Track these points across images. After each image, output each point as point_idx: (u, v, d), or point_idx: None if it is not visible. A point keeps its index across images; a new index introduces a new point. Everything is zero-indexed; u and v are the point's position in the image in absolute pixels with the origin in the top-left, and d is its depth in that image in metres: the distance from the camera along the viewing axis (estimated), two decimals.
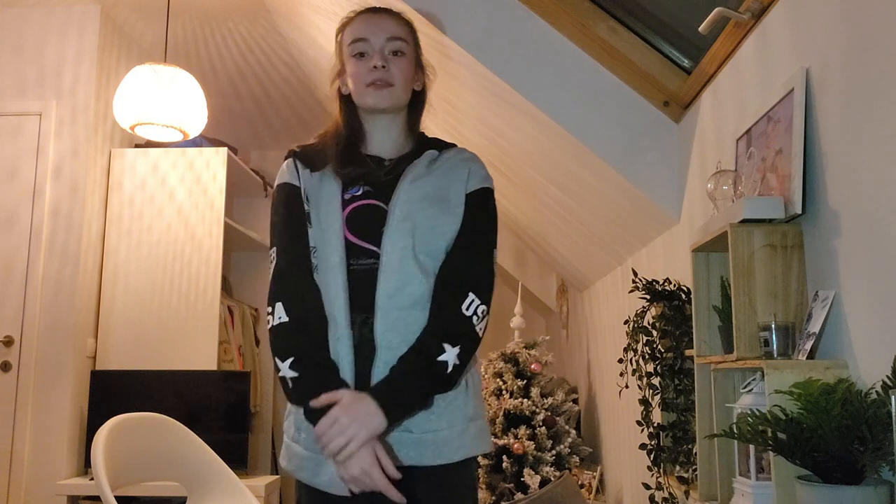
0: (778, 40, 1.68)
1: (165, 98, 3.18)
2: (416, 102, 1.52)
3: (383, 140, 1.49)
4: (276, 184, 1.49)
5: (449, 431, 1.36)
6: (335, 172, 1.43)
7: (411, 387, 1.32)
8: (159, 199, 3.72)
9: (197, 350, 3.58)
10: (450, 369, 1.32)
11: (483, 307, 1.37)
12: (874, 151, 1.29)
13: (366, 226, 1.39)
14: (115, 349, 3.60)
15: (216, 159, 3.75)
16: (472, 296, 1.36)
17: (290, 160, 1.48)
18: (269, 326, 1.39)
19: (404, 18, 1.50)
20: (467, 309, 1.35)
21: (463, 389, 1.40)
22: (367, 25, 1.46)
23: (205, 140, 3.86)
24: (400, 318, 1.35)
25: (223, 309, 3.83)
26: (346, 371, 1.34)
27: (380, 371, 1.33)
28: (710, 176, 1.80)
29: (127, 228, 3.69)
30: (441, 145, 1.52)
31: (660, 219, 2.43)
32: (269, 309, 1.39)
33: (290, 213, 1.43)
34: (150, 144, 3.76)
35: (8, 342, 3.43)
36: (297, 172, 1.46)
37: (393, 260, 1.36)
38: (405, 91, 1.46)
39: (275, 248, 1.43)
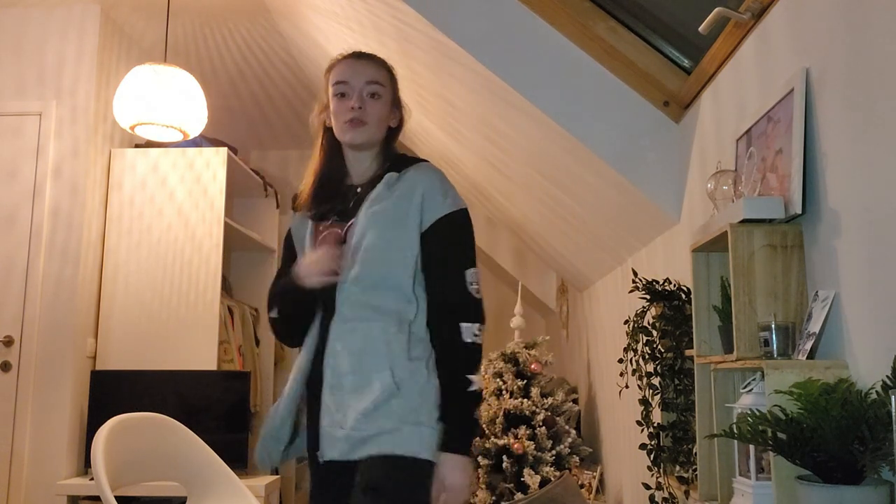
0: (778, 40, 1.68)
1: (165, 98, 3.18)
2: (390, 139, 1.69)
3: (361, 170, 1.66)
4: None
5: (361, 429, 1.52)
6: (311, 211, 1.66)
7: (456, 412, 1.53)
8: (159, 199, 3.71)
9: (197, 350, 3.58)
10: (474, 388, 1.52)
11: (476, 326, 1.54)
12: (874, 151, 1.29)
13: None
14: (115, 349, 3.60)
15: (216, 159, 3.75)
16: (463, 325, 1.53)
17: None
18: (270, 319, 1.71)
19: (385, 64, 1.68)
20: (465, 337, 1.53)
21: (393, 392, 1.50)
22: (349, 69, 1.64)
23: (205, 140, 3.86)
24: (345, 330, 1.55)
25: (223, 309, 3.83)
26: (304, 373, 1.60)
27: (328, 373, 1.55)
28: (710, 176, 1.80)
29: (127, 228, 3.69)
30: (403, 164, 1.64)
31: (660, 219, 2.43)
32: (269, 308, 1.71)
33: (285, 254, 1.73)
34: (150, 144, 3.76)
35: (8, 342, 3.43)
36: (292, 216, 1.72)
37: (345, 280, 1.56)
38: (379, 129, 1.64)
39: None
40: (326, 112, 1.67)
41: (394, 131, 1.69)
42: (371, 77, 1.62)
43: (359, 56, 1.66)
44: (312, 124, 1.71)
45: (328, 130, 1.67)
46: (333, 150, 1.67)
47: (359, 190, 1.64)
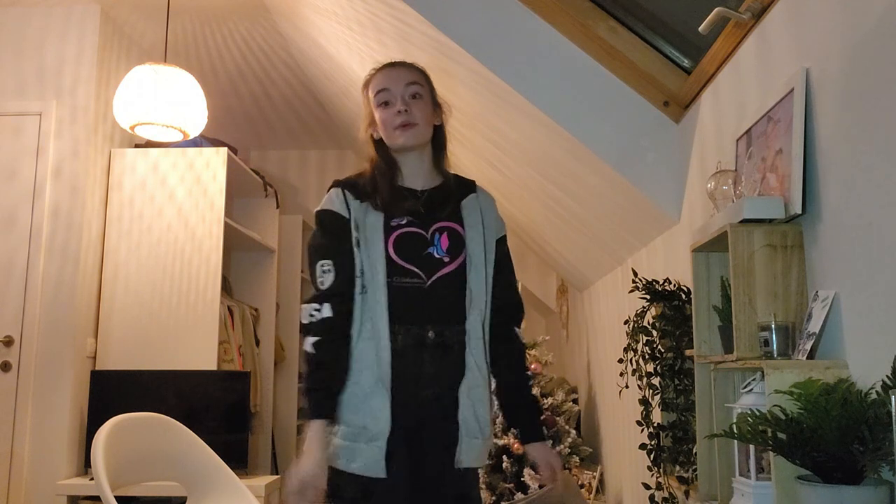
0: (778, 40, 1.68)
1: (165, 98, 3.18)
2: (438, 138, 1.75)
3: (415, 174, 1.71)
4: (322, 208, 1.66)
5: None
6: (381, 204, 1.64)
7: (536, 410, 1.75)
8: (159, 199, 3.71)
9: (197, 350, 3.58)
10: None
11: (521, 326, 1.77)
12: (874, 151, 1.29)
13: (409, 249, 1.62)
14: (115, 349, 3.60)
15: (216, 159, 3.75)
16: (517, 321, 1.77)
17: (339, 190, 1.66)
18: (316, 319, 1.57)
19: (418, 67, 1.75)
20: (518, 330, 1.76)
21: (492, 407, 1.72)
22: (387, 77, 1.69)
23: (205, 140, 3.86)
24: (472, 324, 1.66)
25: (223, 309, 3.82)
26: (385, 372, 1.56)
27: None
28: (710, 176, 1.80)
29: (127, 228, 3.69)
30: (469, 184, 1.78)
31: (660, 219, 2.43)
32: (317, 305, 1.57)
33: (339, 238, 1.62)
34: (150, 144, 3.76)
35: (8, 342, 3.43)
36: (347, 203, 1.64)
37: (474, 276, 1.67)
38: (427, 128, 1.69)
39: (329, 262, 1.60)
40: (374, 126, 1.71)
41: (438, 130, 1.74)
42: (410, 79, 1.69)
43: (392, 64, 1.74)
44: (362, 140, 1.76)
45: (377, 142, 1.72)
46: (387, 157, 1.71)
47: (419, 194, 1.69)
